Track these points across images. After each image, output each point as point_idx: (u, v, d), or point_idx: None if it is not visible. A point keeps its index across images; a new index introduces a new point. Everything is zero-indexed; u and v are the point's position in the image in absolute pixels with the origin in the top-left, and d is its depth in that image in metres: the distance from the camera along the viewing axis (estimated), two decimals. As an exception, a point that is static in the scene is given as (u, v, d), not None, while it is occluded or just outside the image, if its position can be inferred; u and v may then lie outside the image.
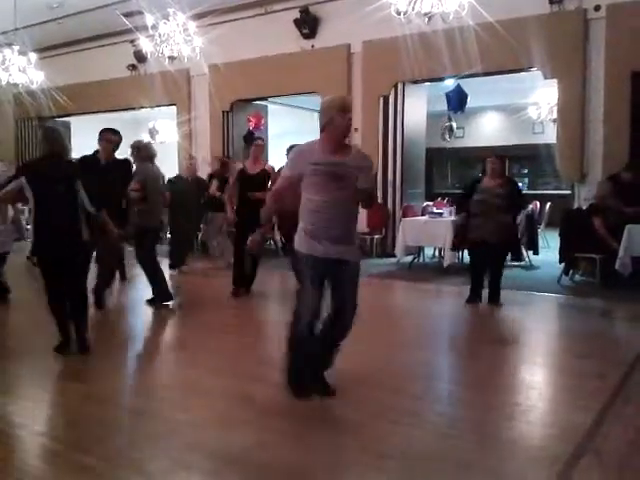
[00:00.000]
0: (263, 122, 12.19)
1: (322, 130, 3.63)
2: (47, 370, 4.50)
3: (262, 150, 7.15)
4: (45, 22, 11.91)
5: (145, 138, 15.58)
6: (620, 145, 8.13)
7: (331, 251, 3.59)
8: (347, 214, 3.67)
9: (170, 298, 6.36)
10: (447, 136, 11.24)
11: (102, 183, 5.42)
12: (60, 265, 4.58)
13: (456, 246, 7.47)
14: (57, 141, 4.68)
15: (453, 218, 8.54)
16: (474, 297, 6.57)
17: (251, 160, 6.97)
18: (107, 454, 3.03)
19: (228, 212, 7.13)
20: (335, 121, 3.56)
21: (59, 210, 4.52)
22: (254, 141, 7.26)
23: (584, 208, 7.95)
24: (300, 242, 3.66)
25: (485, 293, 6.53)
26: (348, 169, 3.57)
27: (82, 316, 4.73)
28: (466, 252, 8.54)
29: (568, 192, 9.52)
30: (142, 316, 6.38)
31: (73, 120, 14.55)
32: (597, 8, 8.27)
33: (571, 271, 7.93)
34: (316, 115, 13.16)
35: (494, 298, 6.50)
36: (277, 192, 3.77)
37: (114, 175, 6.00)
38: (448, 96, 10.25)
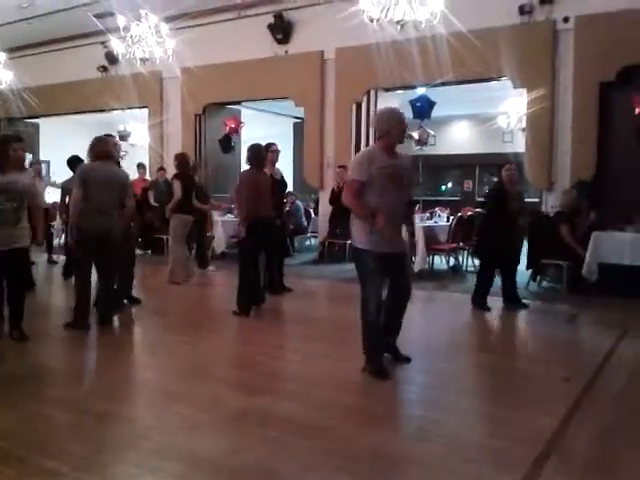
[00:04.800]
0: (242, 126, 12.16)
1: (382, 136, 4.22)
2: (10, 373, 4.41)
3: (278, 155, 7.26)
4: (15, 22, 11.72)
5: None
6: (587, 154, 8.29)
7: (393, 247, 4.20)
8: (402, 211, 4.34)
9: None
10: (414, 145, 11.21)
11: None
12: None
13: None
14: None
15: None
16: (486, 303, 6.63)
17: (270, 166, 7.01)
18: (73, 459, 2.97)
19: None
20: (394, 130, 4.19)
21: None
22: (271, 146, 7.15)
23: (551, 215, 8.08)
24: (365, 240, 4.15)
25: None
26: (404, 169, 4.27)
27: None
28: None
29: (536, 200, 9.67)
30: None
31: (42, 121, 14.34)
32: (566, 19, 8.45)
33: (539, 277, 8.05)
34: (290, 120, 13.21)
35: (518, 300, 6.71)
36: (355, 197, 4.14)
37: None
38: (413, 104, 10.33)
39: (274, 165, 7.20)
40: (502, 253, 6.51)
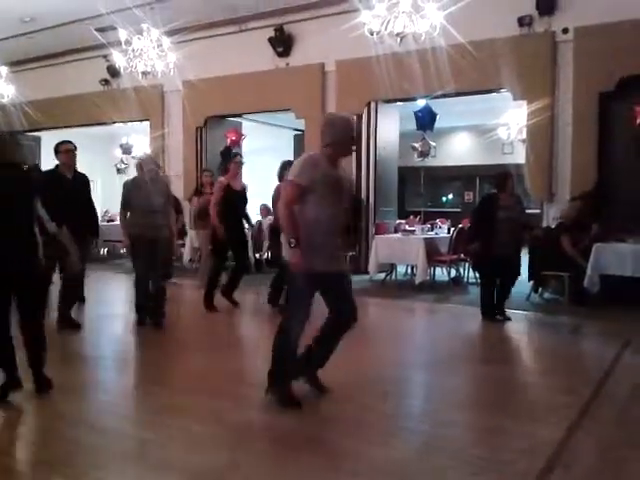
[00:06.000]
0: (243, 138, 12.20)
1: (326, 145, 3.79)
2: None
3: (241, 167, 7.24)
4: (16, 36, 11.79)
5: (117, 153, 15.62)
6: (588, 165, 8.29)
7: (333, 264, 3.78)
8: (341, 226, 3.88)
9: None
10: (416, 156, 11.28)
11: (73, 197, 5.53)
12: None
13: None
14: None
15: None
16: (493, 312, 6.63)
17: (232, 176, 7.01)
18: (72, 473, 2.96)
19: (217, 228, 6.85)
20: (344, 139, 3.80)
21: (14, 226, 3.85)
22: (233, 157, 7.26)
23: (552, 227, 8.08)
24: (299, 256, 3.61)
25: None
26: (345, 182, 3.91)
27: (40, 349, 4.04)
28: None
29: (537, 211, 9.68)
30: (107, 334, 6.27)
31: (44, 135, 14.37)
32: (565, 31, 8.48)
33: (540, 289, 8.04)
34: (291, 132, 13.18)
35: (502, 312, 6.68)
36: (291, 201, 3.67)
37: (83, 188, 6.14)
38: (417, 115, 10.38)
39: (236, 177, 7.08)
40: (494, 262, 6.46)
